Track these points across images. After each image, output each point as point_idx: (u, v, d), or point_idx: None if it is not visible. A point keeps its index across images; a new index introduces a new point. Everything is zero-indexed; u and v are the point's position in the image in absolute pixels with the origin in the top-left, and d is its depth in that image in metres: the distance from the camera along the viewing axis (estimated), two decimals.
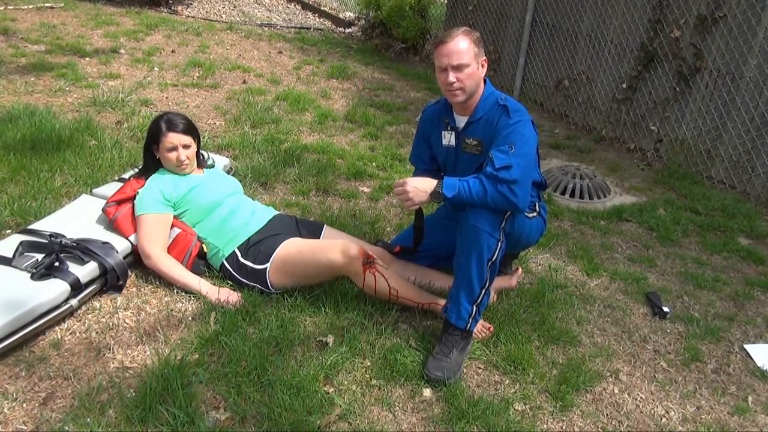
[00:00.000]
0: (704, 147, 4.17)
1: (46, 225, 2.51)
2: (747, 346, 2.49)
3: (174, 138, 2.50)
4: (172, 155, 2.52)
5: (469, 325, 2.17)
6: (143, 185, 2.54)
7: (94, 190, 2.87)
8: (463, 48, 2.13)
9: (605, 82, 4.83)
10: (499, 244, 2.09)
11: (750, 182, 3.95)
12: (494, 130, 2.18)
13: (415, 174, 2.56)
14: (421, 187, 2.09)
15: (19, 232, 2.46)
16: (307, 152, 3.91)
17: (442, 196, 2.07)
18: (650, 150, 4.52)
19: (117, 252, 2.38)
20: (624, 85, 4.66)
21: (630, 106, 4.67)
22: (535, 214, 2.30)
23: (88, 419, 1.82)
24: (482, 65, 2.20)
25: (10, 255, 2.27)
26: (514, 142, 2.07)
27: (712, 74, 4.08)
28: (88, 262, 2.29)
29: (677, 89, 4.30)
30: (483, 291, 2.14)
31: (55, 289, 2.15)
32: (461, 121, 2.31)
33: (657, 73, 4.43)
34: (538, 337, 2.39)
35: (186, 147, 2.54)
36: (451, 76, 2.16)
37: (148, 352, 2.12)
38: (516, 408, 2.04)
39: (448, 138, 2.37)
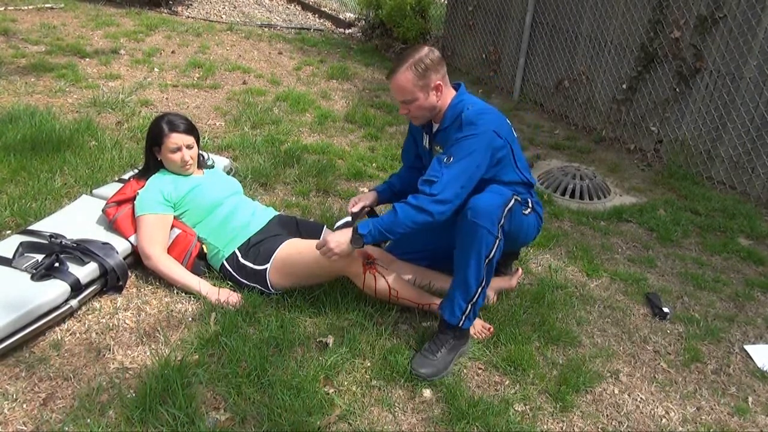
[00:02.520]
0: (704, 147, 4.17)
1: (46, 226, 2.51)
2: (747, 347, 2.49)
3: (177, 138, 2.50)
4: (176, 156, 2.52)
5: (461, 323, 2.17)
6: (143, 186, 2.54)
7: (94, 191, 2.87)
8: (403, 85, 2.18)
9: (605, 83, 4.83)
10: (497, 242, 2.10)
11: (750, 183, 3.96)
12: (449, 139, 2.22)
13: (402, 171, 2.66)
14: (341, 239, 2.14)
15: (19, 233, 2.46)
16: (307, 153, 3.92)
17: (360, 238, 2.12)
18: (650, 150, 4.52)
19: (117, 253, 2.39)
20: (624, 86, 4.66)
21: (630, 107, 4.67)
22: (529, 210, 2.30)
23: (88, 420, 1.82)
24: (435, 89, 2.21)
25: (10, 256, 2.27)
26: (454, 153, 2.12)
27: (712, 75, 4.09)
28: (88, 262, 2.29)
29: (677, 90, 4.30)
30: (479, 289, 2.14)
31: (55, 289, 2.15)
32: (435, 126, 2.35)
33: (657, 74, 4.43)
34: (538, 338, 2.39)
35: (189, 147, 2.54)
36: (402, 109, 2.26)
37: (148, 353, 2.12)
38: (516, 408, 2.04)
39: (426, 141, 2.44)
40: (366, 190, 3.54)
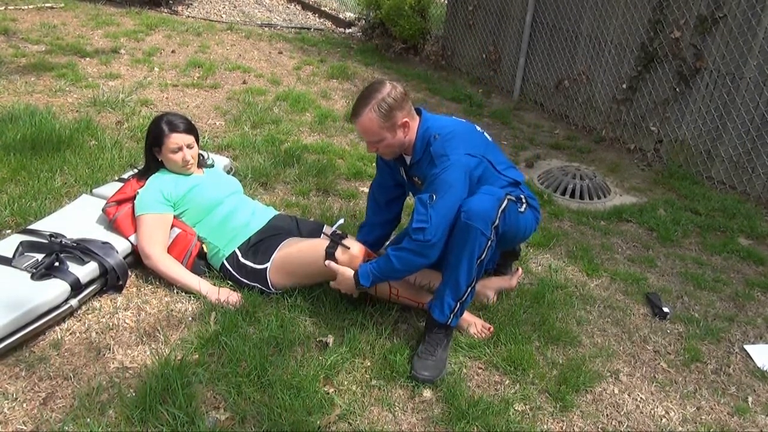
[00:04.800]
0: (704, 147, 4.17)
1: (46, 225, 2.51)
2: (747, 347, 2.49)
3: (178, 138, 2.50)
4: (178, 156, 2.52)
5: (450, 321, 2.18)
6: (143, 185, 2.54)
7: (94, 190, 2.87)
8: (368, 127, 2.18)
9: (605, 83, 4.83)
10: (489, 242, 2.10)
11: (750, 182, 3.96)
12: (426, 175, 2.22)
13: (372, 217, 2.64)
14: (345, 288, 2.28)
15: (19, 232, 2.46)
16: (307, 152, 3.92)
17: (363, 287, 2.21)
18: (650, 150, 4.52)
19: (117, 252, 2.39)
20: (624, 86, 4.66)
21: (630, 107, 4.67)
22: (524, 206, 2.29)
23: (88, 419, 1.82)
24: (402, 126, 2.20)
25: (10, 255, 2.27)
26: (436, 190, 2.11)
27: (712, 75, 4.09)
28: (88, 262, 2.29)
29: (677, 90, 4.30)
30: (468, 289, 2.16)
31: (55, 289, 2.15)
32: (408, 159, 2.35)
33: (657, 74, 4.43)
34: (538, 338, 2.39)
35: (190, 147, 2.54)
36: (370, 147, 2.28)
37: (148, 352, 2.12)
38: (516, 408, 2.04)
39: (402, 172, 2.43)
40: (366, 189, 3.54)
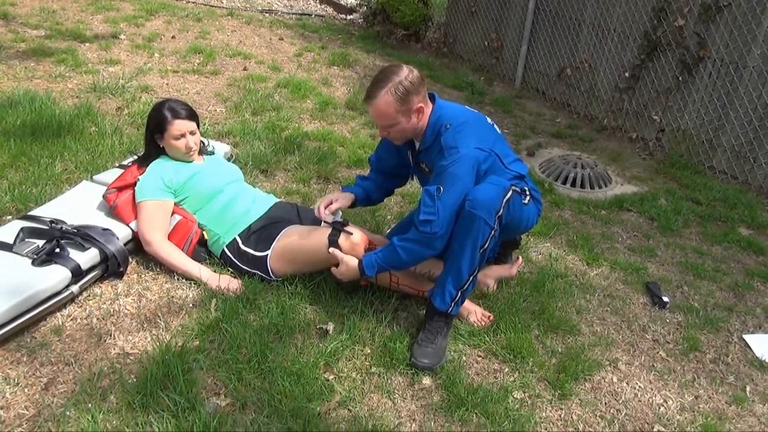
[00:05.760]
0: (706, 137, 4.16)
1: (47, 211, 2.51)
2: (746, 337, 2.50)
3: (181, 125, 2.49)
4: (181, 143, 2.51)
5: (450, 309, 2.19)
6: (144, 172, 2.54)
7: (94, 177, 2.86)
8: (384, 110, 2.15)
9: (608, 71, 4.80)
10: (493, 232, 2.10)
11: (752, 172, 3.95)
12: (434, 165, 2.21)
13: (379, 179, 2.57)
14: (349, 274, 2.24)
15: (19, 218, 2.46)
16: (308, 140, 3.90)
17: (366, 277, 2.21)
18: (652, 140, 4.51)
19: (118, 238, 2.39)
20: (627, 74, 4.63)
21: (632, 96, 4.65)
22: (528, 198, 2.29)
23: (90, 405, 1.83)
24: (417, 111, 2.18)
25: (10, 241, 2.27)
26: (443, 182, 2.10)
27: (715, 64, 4.06)
28: (89, 248, 2.29)
29: (680, 78, 4.28)
30: (470, 277, 2.16)
31: (56, 275, 2.15)
32: (417, 143, 2.33)
33: (660, 62, 4.41)
34: (537, 326, 2.40)
35: (192, 133, 2.53)
36: (382, 131, 2.26)
37: (149, 339, 2.13)
38: (515, 396, 2.05)
39: (409, 155, 2.42)
40: None
